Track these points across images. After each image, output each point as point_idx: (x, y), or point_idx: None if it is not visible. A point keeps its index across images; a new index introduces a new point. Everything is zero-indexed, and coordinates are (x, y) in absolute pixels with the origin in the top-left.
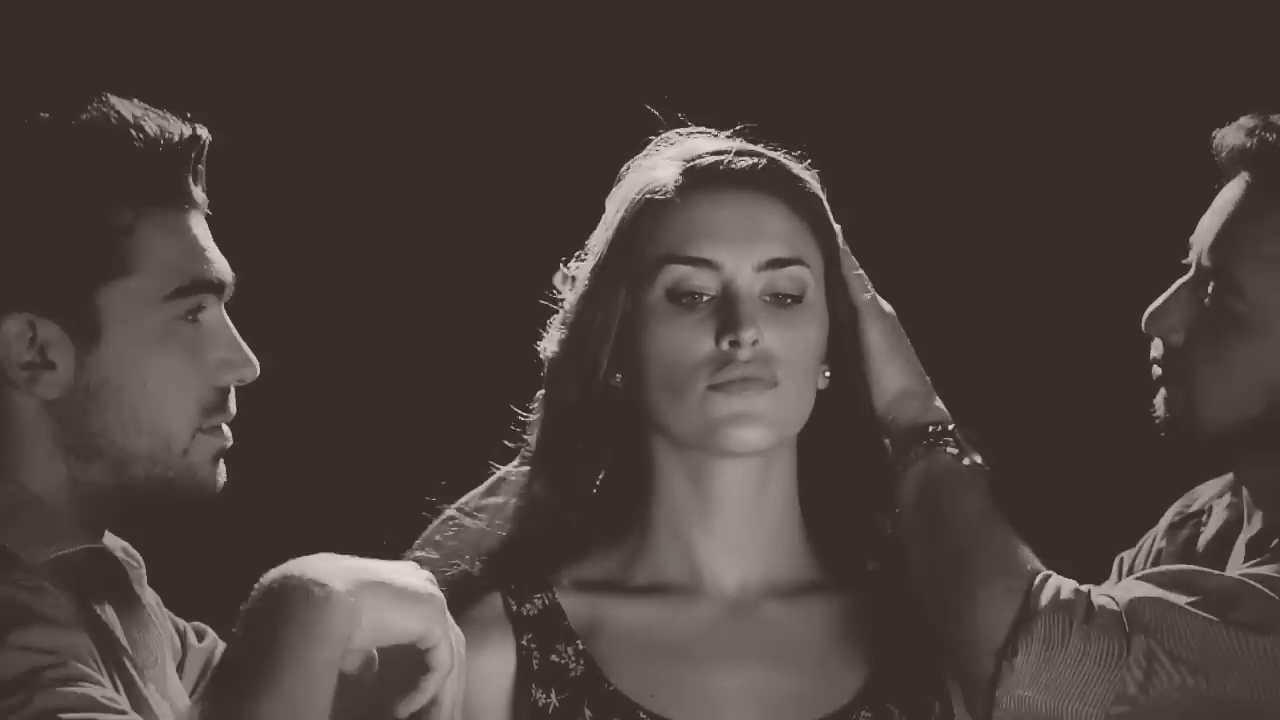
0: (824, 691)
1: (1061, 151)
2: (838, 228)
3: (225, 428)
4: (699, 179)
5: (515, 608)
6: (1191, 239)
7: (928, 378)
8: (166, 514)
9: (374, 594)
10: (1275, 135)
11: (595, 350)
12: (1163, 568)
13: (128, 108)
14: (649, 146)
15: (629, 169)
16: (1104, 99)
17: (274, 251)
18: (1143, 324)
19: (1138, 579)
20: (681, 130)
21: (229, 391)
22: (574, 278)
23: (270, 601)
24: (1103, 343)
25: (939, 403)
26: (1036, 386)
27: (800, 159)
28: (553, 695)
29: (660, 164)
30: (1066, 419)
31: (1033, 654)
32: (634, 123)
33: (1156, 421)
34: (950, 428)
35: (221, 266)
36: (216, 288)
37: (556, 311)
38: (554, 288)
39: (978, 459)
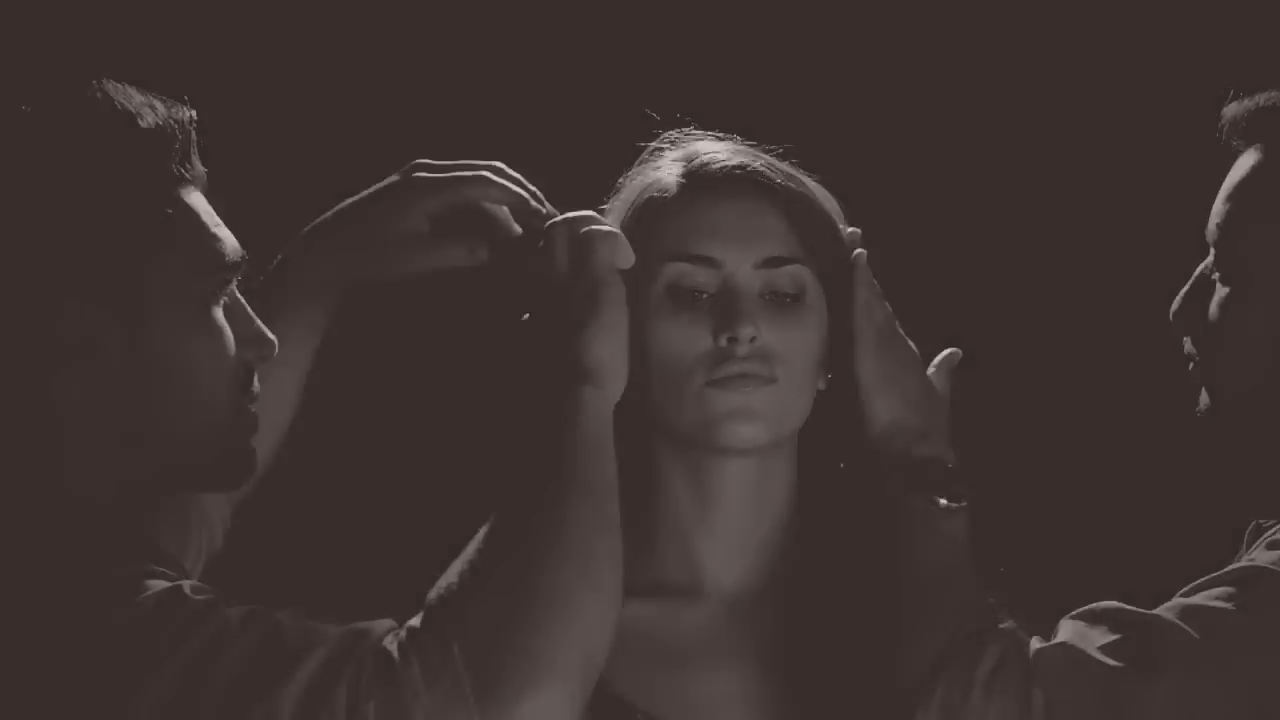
0: None
1: (1096, 159)
2: (863, 251)
3: (253, 409)
4: (701, 179)
5: None
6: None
7: (926, 407)
8: None
9: None
10: (1264, 100)
11: None
12: (1092, 606)
13: (133, 93)
14: (651, 146)
15: (633, 169)
16: (1130, 98)
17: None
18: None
19: (1071, 617)
20: (685, 131)
21: (253, 370)
22: None
23: None
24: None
25: (933, 437)
26: (1076, 392)
27: (801, 161)
28: None
29: (663, 164)
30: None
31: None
32: (637, 125)
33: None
34: (933, 467)
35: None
36: (240, 265)
37: None
38: None
39: (946, 503)
